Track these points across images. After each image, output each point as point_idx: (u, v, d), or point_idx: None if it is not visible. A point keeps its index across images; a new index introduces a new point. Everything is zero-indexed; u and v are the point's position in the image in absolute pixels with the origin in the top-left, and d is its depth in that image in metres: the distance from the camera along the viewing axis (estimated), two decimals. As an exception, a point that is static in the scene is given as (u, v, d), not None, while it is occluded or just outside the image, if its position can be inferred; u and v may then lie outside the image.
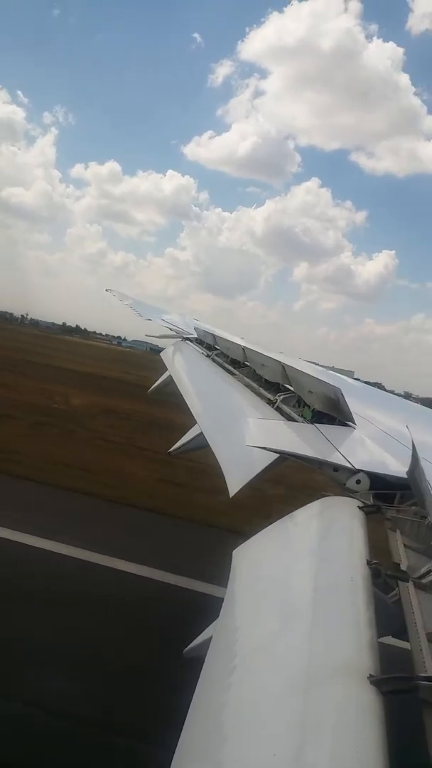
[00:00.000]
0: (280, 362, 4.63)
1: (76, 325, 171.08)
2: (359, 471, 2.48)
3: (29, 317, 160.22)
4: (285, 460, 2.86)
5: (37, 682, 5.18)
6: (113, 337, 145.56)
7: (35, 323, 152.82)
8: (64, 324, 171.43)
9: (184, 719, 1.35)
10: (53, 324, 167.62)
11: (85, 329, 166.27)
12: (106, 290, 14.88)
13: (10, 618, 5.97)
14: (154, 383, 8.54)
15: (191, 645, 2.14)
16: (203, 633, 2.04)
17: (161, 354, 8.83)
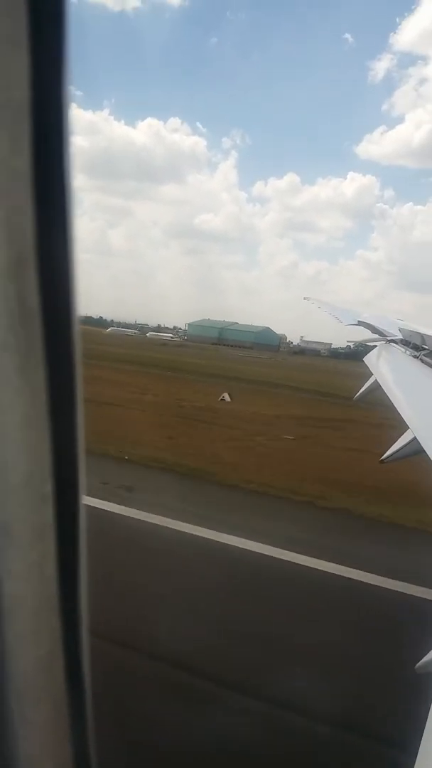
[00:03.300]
0: None
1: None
2: None
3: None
4: None
5: None
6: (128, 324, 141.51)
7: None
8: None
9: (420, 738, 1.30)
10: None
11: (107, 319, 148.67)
12: (305, 298, 15.04)
13: None
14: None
15: (425, 659, 2.03)
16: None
17: (365, 359, 8.59)
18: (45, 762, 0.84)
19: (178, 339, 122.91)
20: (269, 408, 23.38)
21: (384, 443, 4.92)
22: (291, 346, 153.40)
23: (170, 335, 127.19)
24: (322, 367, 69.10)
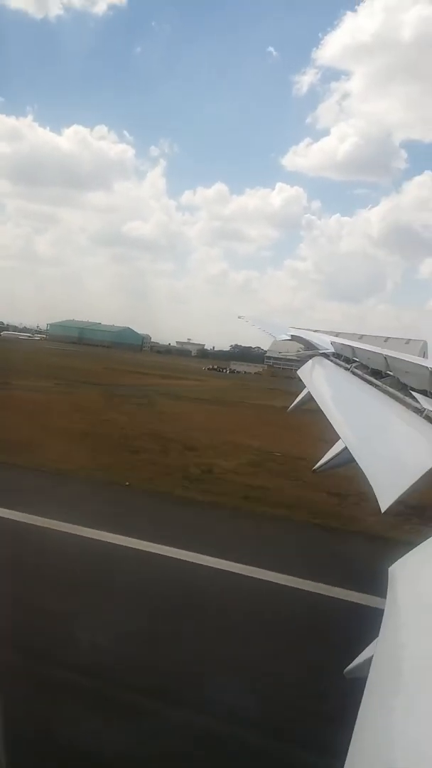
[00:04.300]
0: (427, 367, 4.36)
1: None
2: None
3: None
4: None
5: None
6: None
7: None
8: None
9: (348, 742, 1.28)
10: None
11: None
12: (239, 317, 15.26)
13: None
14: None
15: (352, 665, 2.04)
16: (363, 652, 1.94)
17: (298, 372, 8.76)
18: None
19: (38, 338, 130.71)
20: None
21: None
22: (166, 345, 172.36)
23: (28, 335, 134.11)
24: (110, 357, 77.18)
